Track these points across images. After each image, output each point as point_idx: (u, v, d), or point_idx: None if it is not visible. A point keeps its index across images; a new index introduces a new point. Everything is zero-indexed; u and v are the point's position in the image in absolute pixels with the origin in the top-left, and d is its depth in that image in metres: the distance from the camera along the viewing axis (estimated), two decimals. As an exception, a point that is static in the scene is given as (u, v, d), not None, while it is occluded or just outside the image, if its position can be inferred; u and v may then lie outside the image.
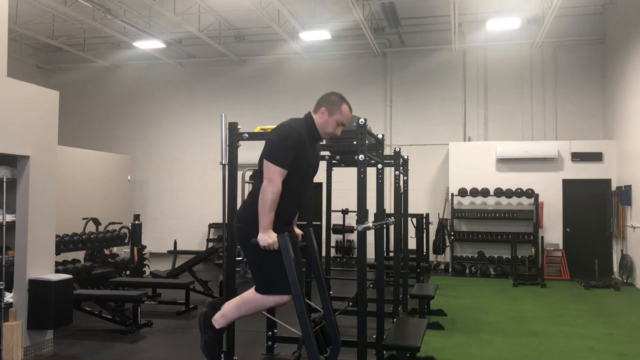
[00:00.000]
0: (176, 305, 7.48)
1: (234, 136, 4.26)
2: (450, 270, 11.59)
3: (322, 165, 6.59)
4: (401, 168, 6.88)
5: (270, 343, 5.23)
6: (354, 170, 4.02)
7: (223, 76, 14.45)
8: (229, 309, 3.56)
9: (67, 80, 15.22)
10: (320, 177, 7.03)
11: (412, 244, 8.87)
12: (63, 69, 15.39)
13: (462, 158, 12.02)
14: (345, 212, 12.35)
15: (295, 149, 3.37)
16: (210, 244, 13.23)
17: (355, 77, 13.61)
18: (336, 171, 6.82)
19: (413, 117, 13.21)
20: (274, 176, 3.30)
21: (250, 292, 3.50)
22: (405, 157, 7.45)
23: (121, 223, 9.72)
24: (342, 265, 12.07)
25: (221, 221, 6.77)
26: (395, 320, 5.96)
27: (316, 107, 3.55)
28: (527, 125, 12.61)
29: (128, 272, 8.56)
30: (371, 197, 4.14)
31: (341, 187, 10.22)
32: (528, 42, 12.42)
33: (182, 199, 14.36)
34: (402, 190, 7.15)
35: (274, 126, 3.62)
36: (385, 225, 6.21)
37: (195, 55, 14.32)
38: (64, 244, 7.63)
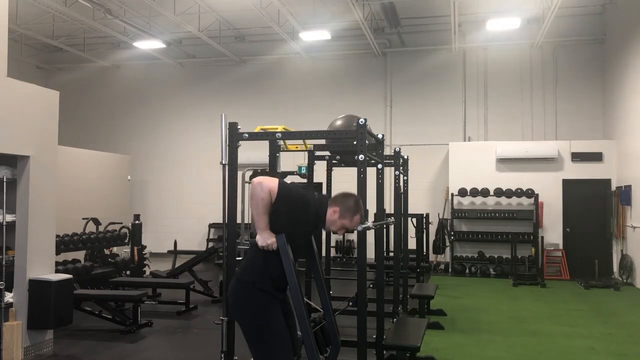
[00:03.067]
0: (176, 305, 7.49)
1: (234, 136, 4.26)
2: (450, 270, 11.58)
3: (322, 165, 6.65)
4: (401, 168, 6.88)
5: (270, 343, 5.21)
6: (354, 170, 4.02)
7: (223, 76, 14.44)
8: None
9: (67, 80, 15.21)
10: (320, 177, 7.09)
11: (412, 244, 8.87)
12: (63, 69, 15.39)
13: (462, 158, 12.01)
14: (345, 212, 12.32)
15: (296, 216, 3.24)
16: (210, 244, 13.22)
17: (355, 77, 13.61)
18: (336, 171, 6.81)
19: (413, 117, 13.21)
20: (266, 181, 3.18)
21: None
22: (405, 157, 7.45)
23: (121, 223, 9.72)
24: (342, 265, 12.04)
25: (221, 221, 6.75)
26: (395, 320, 5.96)
27: (331, 202, 3.37)
28: (527, 125, 12.61)
29: (128, 272, 8.56)
30: (371, 197, 4.14)
31: (341, 187, 10.12)
32: (528, 42, 12.42)
33: (182, 199, 14.36)
34: (402, 190, 7.16)
35: (274, 126, 3.58)
36: (385, 225, 6.22)
37: (195, 55, 14.31)
38: (64, 244, 7.63)
